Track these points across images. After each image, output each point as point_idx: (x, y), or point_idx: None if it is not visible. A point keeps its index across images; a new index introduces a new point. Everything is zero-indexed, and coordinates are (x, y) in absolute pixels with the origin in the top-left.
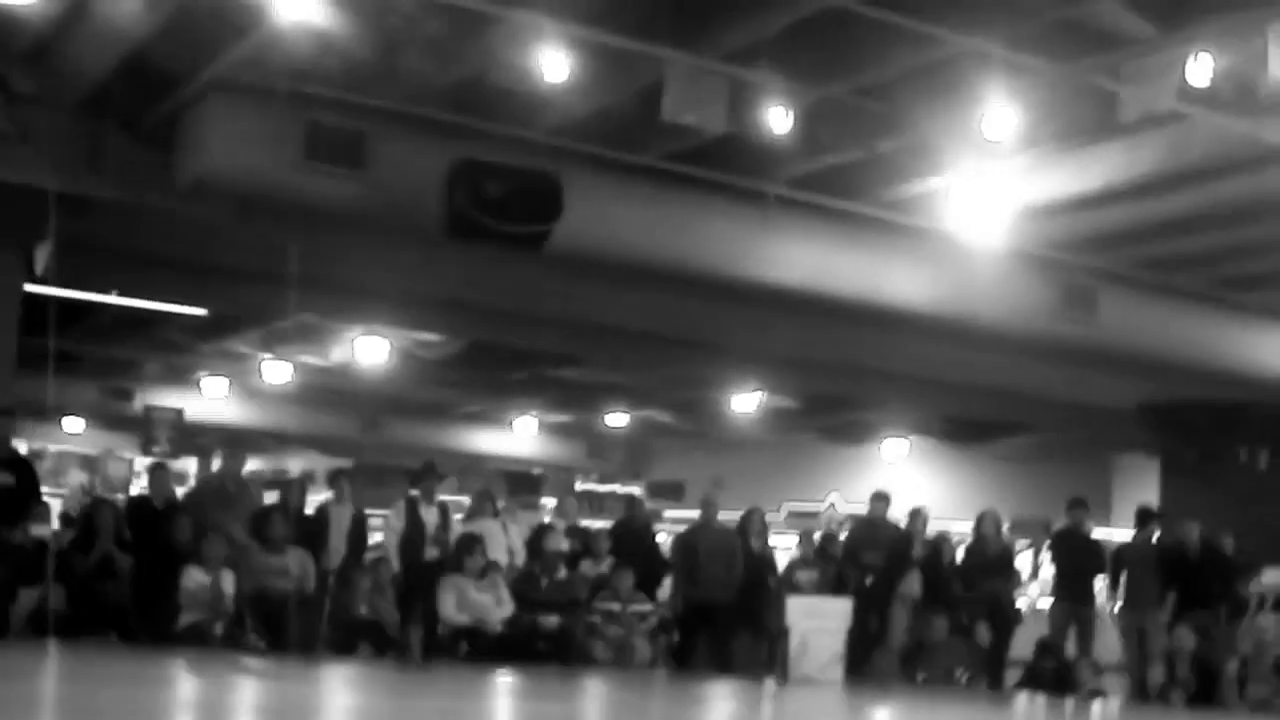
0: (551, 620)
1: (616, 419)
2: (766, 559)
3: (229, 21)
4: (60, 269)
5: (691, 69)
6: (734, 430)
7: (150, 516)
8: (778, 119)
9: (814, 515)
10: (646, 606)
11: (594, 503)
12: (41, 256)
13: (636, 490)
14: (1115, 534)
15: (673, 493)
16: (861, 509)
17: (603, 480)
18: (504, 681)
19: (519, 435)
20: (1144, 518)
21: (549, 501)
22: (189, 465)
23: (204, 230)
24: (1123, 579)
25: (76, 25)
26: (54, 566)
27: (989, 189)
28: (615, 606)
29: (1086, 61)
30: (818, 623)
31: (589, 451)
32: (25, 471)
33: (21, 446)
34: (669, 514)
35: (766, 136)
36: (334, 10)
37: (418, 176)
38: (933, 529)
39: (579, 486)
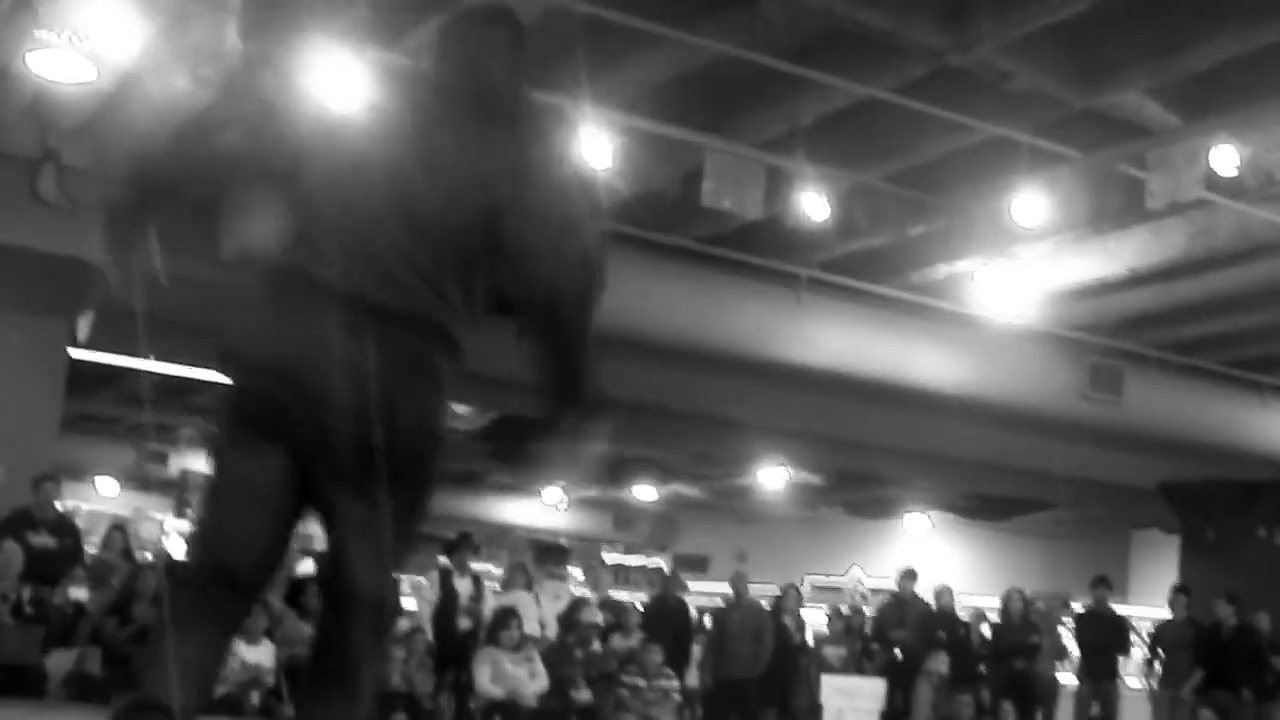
0: (584, 695)
1: (645, 492)
2: (799, 635)
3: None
4: (101, 336)
5: (730, 156)
6: (760, 504)
7: None
8: (812, 204)
9: (838, 589)
10: (673, 683)
11: (620, 575)
12: (84, 324)
13: (663, 563)
14: (1134, 610)
15: (698, 565)
16: (884, 583)
17: (629, 551)
18: None
19: (547, 506)
20: (1178, 595)
21: (575, 572)
22: None
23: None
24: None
25: (127, 100)
26: (90, 630)
27: (1017, 272)
28: (641, 682)
29: (1113, 150)
30: (851, 702)
31: (616, 523)
32: (68, 534)
33: (60, 508)
34: (694, 586)
35: (801, 221)
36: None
37: None
38: (960, 606)
39: (606, 558)
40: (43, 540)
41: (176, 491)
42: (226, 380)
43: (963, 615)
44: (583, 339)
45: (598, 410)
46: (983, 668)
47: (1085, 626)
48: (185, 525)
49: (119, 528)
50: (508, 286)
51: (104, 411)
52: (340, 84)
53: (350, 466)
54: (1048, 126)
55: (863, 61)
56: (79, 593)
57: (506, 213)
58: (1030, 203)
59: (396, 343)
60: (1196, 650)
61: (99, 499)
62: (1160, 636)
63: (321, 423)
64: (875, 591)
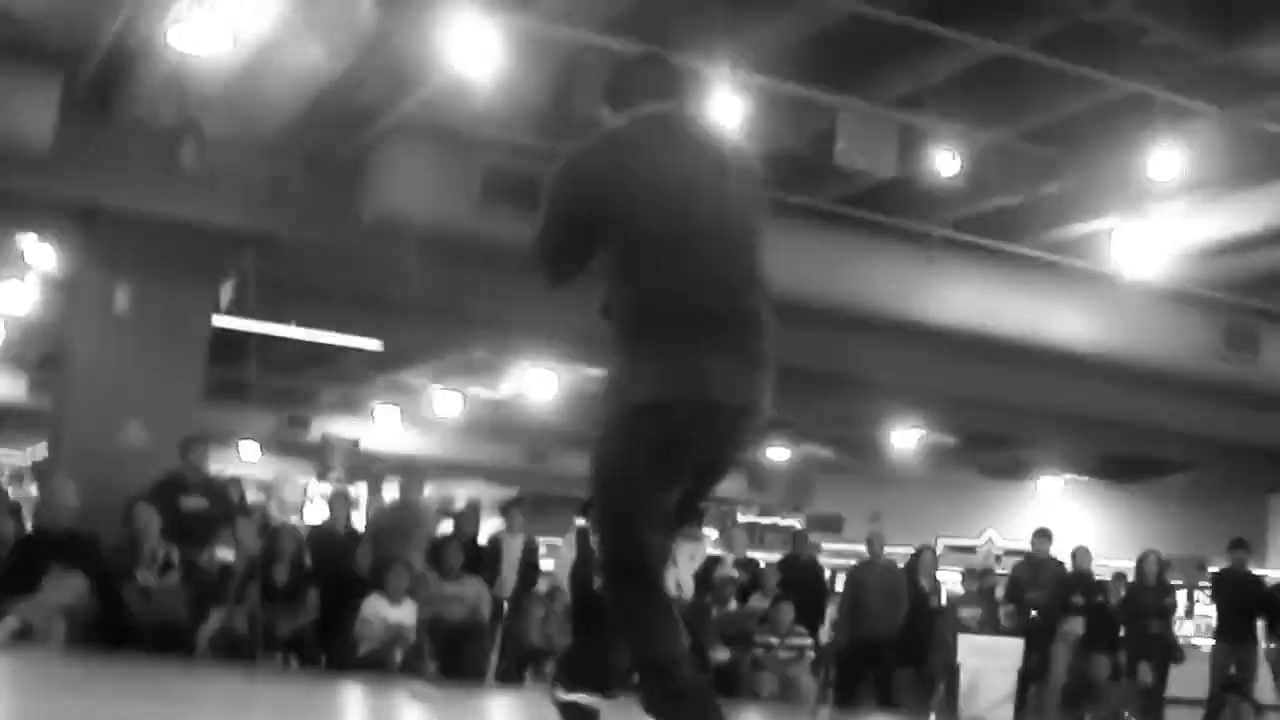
0: (721, 653)
1: (778, 453)
2: (934, 597)
3: (411, 66)
4: (244, 303)
5: (862, 115)
6: (893, 465)
7: (331, 544)
8: (945, 163)
9: (970, 551)
10: (806, 641)
11: (755, 535)
12: (227, 291)
13: (797, 523)
14: (1272, 574)
15: (832, 526)
16: (1016, 545)
17: (763, 513)
18: None
19: None
20: None
21: (710, 533)
22: (360, 492)
23: (382, 267)
24: None
25: (264, 70)
26: (237, 590)
27: (1151, 230)
28: (774, 640)
29: (1251, 105)
30: (989, 661)
31: (750, 484)
32: (218, 496)
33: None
34: (827, 547)
35: (934, 180)
36: (510, 56)
37: None
38: (1095, 568)
39: (740, 519)
40: (194, 502)
41: (317, 455)
42: (658, 417)
43: (1101, 577)
44: None
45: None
46: (1120, 630)
47: (1223, 588)
48: (326, 488)
49: (261, 491)
50: None
51: (246, 377)
52: (472, 47)
53: (728, 466)
54: (1184, 82)
55: (996, 17)
56: (226, 554)
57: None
58: (1166, 159)
59: (765, 352)
60: None
61: (242, 464)
62: None
63: (737, 436)
64: (1008, 554)
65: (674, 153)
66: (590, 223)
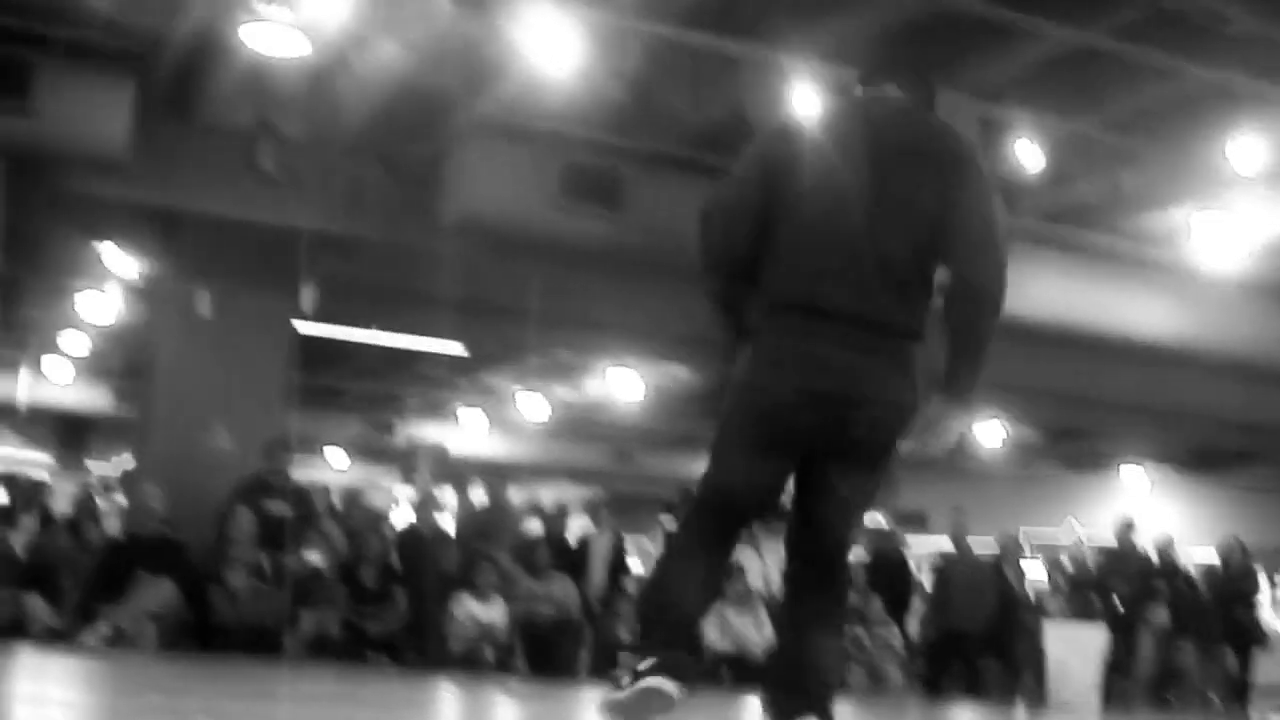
0: None
1: None
2: (1020, 589)
3: (488, 64)
4: (326, 307)
5: (943, 106)
6: (975, 460)
7: (419, 545)
8: (1026, 153)
9: (1054, 543)
10: (894, 633)
11: None
12: (308, 296)
13: (881, 519)
14: None
15: (916, 521)
16: (1101, 538)
17: None
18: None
19: None
20: None
21: None
22: (447, 495)
23: (463, 268)
24: None
25: (341, 71)
26: (326, 593)
27: (1232, 220)
28: (862, 632)
29: None
30: (1075, 650)
31: None
32: (302, 501)
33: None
34: (913, 541)
35: (1015, 171)
36: (590, 53)
37: (672, 215)
38: (1180, 557)
39: None
40: (277, 507)
41: (404, 460)
42: (752, 396)
43: (1186, 567)
44: (989, 339)
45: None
46: (1205, 617)
47: None
48: (413, 492)
49: (348, 495)
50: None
51: (332, 383)
52: (549, 43)
53: (851, 452)
54: (1266, 70)
55: (1076, 6)
56: (314, 557)
57: (950, 227)
58: (1247, 149)
59: (886, 349)
60: None
61: (329, 470)
62: None
63: (842, 423)
64: (1092, 546)
65: (837, 147)
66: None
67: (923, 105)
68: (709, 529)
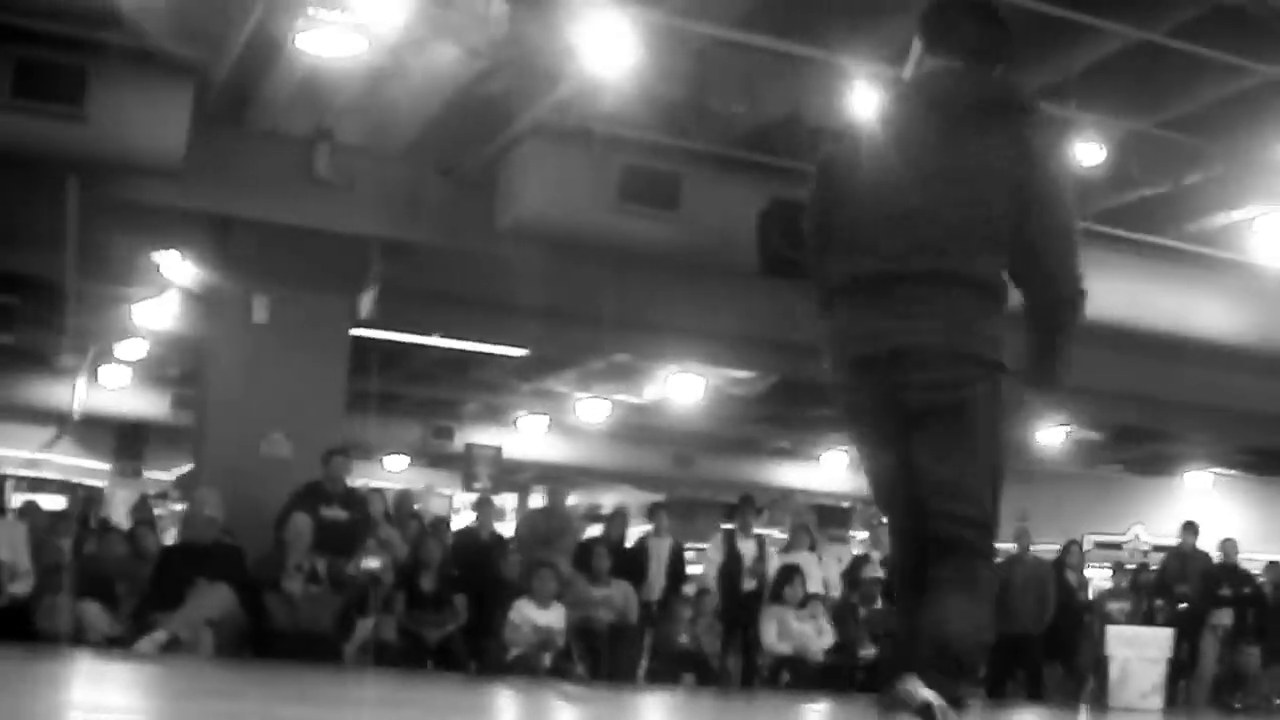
0: (869, 650)
1: None
2: (1081, 591)
3: (545, 68)
4: (383, 312)
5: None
6: (1038, 462)
7: (477, 550)
8: (1086, 154)
9: (1118, 547)
10: None
11: None
12: (366, 301)
13: None
14: None
15: None
16: (1165, 541)
17: None
18: (820, 710)
19: (827, 470)
20: None
21: (857, 534)
22: (508, 501)
23: (522, 272)
24: None
25: (397, 76)
26: (383, 599)
27: None
28: None
29: None
30: (1138, 652)
31: None
32: (358, 507)
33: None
34: None
35: (1076, 171)
36: (646, 55)
37: (730, 216)
38: (1244, 559)
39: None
40: (334, 513)
41: (463, 465)
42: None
43: (1253, 571)
44: (1070, 328)
45: (1057, 391)
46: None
47: None
48: (472, 497)
49: (403, 499)
50: (1017, 269)
51: (390, 388)
52: (606, 45)
53: (924, 417)
54: None
55: (1136, 4)
56: (372, 563)
57: (1018, 204)
58: None
59: (934, 299)
60: None
61: (388, 475)
62: None
63: (897, 385)
64: (1156, 549)
65: (892, 128)
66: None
67: (985, 68)
68: (893, 544)
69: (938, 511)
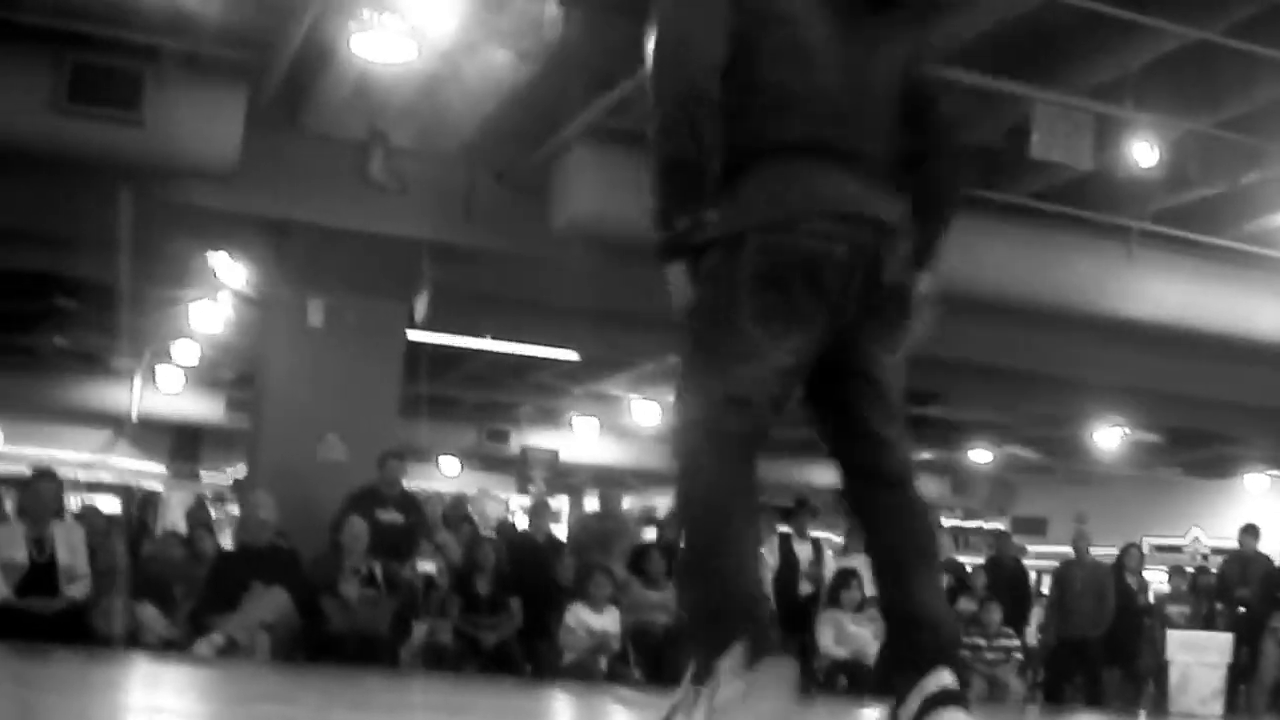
0: None
1: (980, 455)
2: (1141, 595)
3: (597, 70)
4: (438, 316)
5: (1058, 107)
6: (1096, 465)
7: (532, 553)
8: (1143, 154)
9: (1177, 550)
10: (1014, 642)
11: (960, 539)
12: (420, 305)
13: (1001, 526)
14: None
15: (1036, 528)
16: (1223, 544)
17: (967, 516)
18: (877, 715)
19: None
20: None
21: None
22: (562, 504)
23: (575, 275)
24: None
25: (451, 79)
26: (439, 602)
27: None
28: (982, 642)
29: None
30: (1198, 657)
31: (953, 488)
32: (414, 510)
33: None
34: (1033, 549)
35: (1131, 172)
36: None
37: None
38: None
39: (945, 523)
40: (389, 516)
41: (518, 468)
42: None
43: None
44: (954, 206)
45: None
46: None
47: None
48: (526, 500)
49: (456, 503)
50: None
51: (445, 392)
52: None
53: (882, 309)
54: None
55: (1192, 3)
56: (428, 566)
57: (918, 83)
58: None
59: (888, 190)
60: None
61: (443, 479)
62: None
63: (877, 261)
64: (1215, 552)
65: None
66: None
67: None
68: (729, 467)
69: (884, 438)
